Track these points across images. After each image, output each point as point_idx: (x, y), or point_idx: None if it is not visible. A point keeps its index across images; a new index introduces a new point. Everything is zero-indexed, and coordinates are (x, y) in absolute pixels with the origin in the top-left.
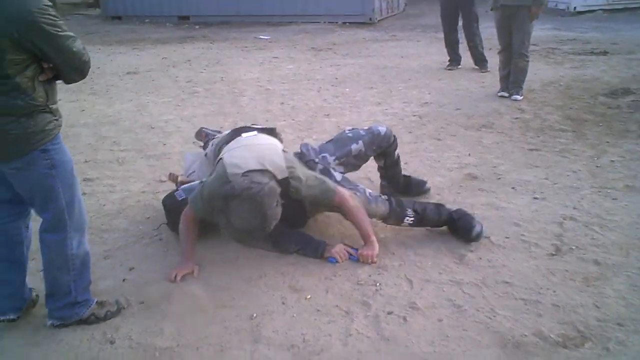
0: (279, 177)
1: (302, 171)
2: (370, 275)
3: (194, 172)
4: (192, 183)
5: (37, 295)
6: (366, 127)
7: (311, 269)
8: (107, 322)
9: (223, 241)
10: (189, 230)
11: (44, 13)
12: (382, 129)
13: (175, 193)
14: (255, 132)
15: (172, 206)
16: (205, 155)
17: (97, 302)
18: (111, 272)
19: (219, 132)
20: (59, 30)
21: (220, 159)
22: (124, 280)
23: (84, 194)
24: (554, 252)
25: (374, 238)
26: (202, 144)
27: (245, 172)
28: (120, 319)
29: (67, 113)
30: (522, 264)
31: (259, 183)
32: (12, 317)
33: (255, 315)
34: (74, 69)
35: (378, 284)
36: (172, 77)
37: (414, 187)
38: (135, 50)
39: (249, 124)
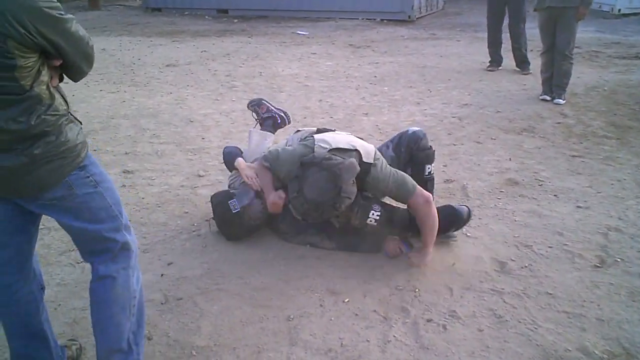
0: (364, 159)
1: (385, 164)
2: (409, 281)
3: (256, 159)
4: (248, 189)
5: (78, 349)
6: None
7: (349, 272)
8: (145, 318)
9: (262, 241)
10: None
11: None
12: (414, 129)
13: (229, 202)
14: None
15: (225, 217)
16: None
17: None
18: (150, 266)
19: (282, 110)
20: (62, 12)
21: (311, 136)
22: (162, 275)
23: (123, 186)
24: (598, 264)
25: (431, 249)
26: (256, 116)
27: (332, 149)
28: (157, 315)
29: (108, 104)
30: (566, 275)
31: (340, 157)
32: None
33: (292, 317)
34: (84, 58)
35: (417, 290)
36: (211, 70)
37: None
38: (174, 43)
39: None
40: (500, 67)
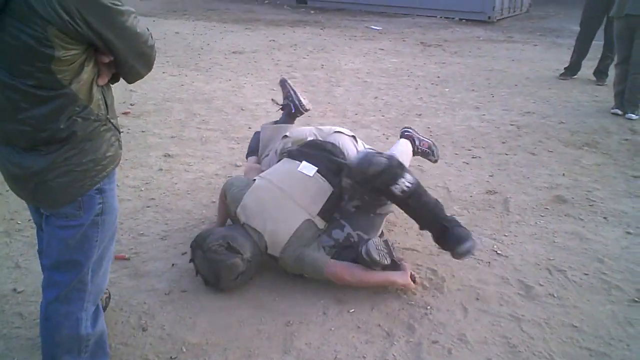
0: (269, 251)
1: (299, 251)
2: (422, 297)
3: (267, 155)
4: None
5: (107, 298)
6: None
7: None
8: (145, 307)
9: None
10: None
11: None
12: (353, 160)
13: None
14: (312, 170)
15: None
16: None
17: None
18: (164, 253)
19: (298, 98)
20: (118, 3)
21: (258, 178)
22: (173, 264)
23: (160, 170)
24: (636, 299)
25: (394, 277)
26: (280, 103)
27: (244, 223)
28: (158, 306)
29: (166, 86)
30: (597, 308)
31: (226, 254)
32: None
33: (291, 322)
34: (140, 57)
35: (429, 307)
36: (275, 60)
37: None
38: (246, 31)
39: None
40: (574, 77)
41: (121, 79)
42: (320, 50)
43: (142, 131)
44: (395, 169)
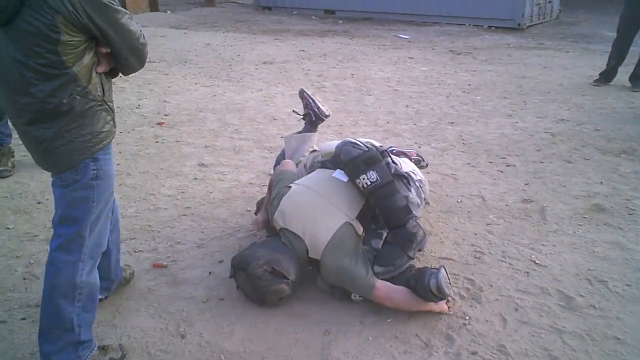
0: (310, 255)
1: (341, 256)
2: (460, 307)
3: (298, 162)
4: None
5: (131, 273)
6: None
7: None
8: (184, 314)
9: None
10: (268, 190)
11: None
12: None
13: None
14: (346, 177)
15: None
16: (304, 165)
17: (98, 347)
18: (201, 261)
19: (317, 106)
20: (114, 3)
21: (291, 186)
22: (210, 272)
23: (195, 179)
24: None
25: (420, 309)
26: (301, 113)
27: (282, 228)
28: (196, 314)
29: (199, 97)
30: None
31: (272, 280)
32: (99, 297)
33: (329, 331)
34: (132, 52)
35: (467, 318)
36: (305, 70)
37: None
38: (276, 41)
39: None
40: (610, 83)
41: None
42: (350, 59)
43: (177, 141)
44: (360, 162)
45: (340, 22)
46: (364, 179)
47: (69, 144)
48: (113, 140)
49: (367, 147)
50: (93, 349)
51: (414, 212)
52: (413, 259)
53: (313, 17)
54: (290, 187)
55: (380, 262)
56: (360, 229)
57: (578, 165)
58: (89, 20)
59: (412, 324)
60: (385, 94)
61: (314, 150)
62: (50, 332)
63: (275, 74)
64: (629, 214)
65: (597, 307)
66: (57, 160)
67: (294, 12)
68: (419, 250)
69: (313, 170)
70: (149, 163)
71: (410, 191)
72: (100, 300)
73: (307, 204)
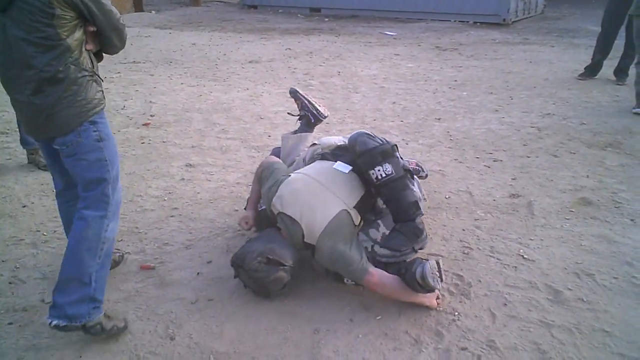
0: (306, 240)
1: (339, 241)
2: (449, 303)
3: (292, 163)
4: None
5: (120, 256)
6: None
7: None
8: (172, 316)
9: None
10: (255, 182)
11: None
12: (350, 136)
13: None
14: (347, 168)
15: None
16: (304, 159)
17: (104, 314)
18: (189, 262)
19: (315, 107)
20: None
21: (289, 176)
22: (198, 273)
23: (182, 179)
24: None
25: (408, 300)
26: (295, 114)
27: (279, 212)
28: (185, 315)
29: (185, 97)
30: (628, 312)
31: (268, 269)
32: None
33: (318, 329)
34: (113, 30)
35: (456, 313)
36: (291, 68)
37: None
38: (262, 40)
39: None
40: (595, 77)
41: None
42: (336, 57)
43: (163, 142)
44: (377, 154)
45: (326, 19)
46: (379, 170)
47: (67, 109)
48: (103, 110)
49: (382, 140)
50: (100, 312)
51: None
52: (416, 252)
53: (299, 15)
54: (289, 175)
55: (387, 245)
56: (357, 218)
57: (564, 159)
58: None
59: (401, 320)
60: (372, 91)
61: (314, 144)
62: (68, 284)
63: (261, 73)
64: (616, 207)
65: (585, 300)
66: (60, 123)
67: (280, 11)
68: (420, 249)
69: (313, 162)
70: (135, 164)
71: (414, 185)
72: None
73: (306, 190)
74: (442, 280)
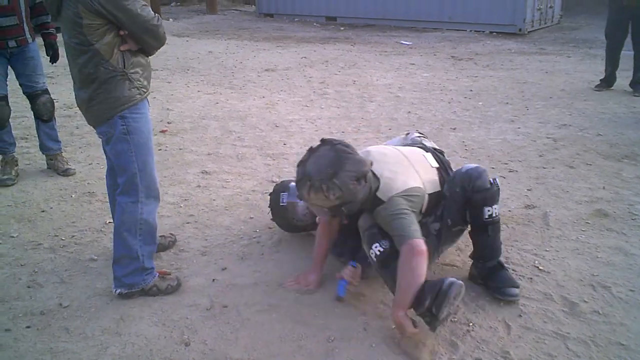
0: (377, 194)
1: (399, 205)
2: (464, 313)
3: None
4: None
5: (171, 241)
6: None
7: None
8: (188, 322)
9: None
10: (321, 237)
11: None
12: (469, 166)
13: (281, 193)
14: (435, 163)
15: (273, 206)
16: None
17: (159, 275)
18: (204, 269)
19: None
20: None
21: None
22: (213, 280)
23: (198, 186)
24: None
25: (399, 313)
26: None
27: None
28: (200, 321)
29: (202, 105)
30: None
31: (352, 155)
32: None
33: (332, 338)
34: (145, 32)
35: (471, 324)
36: (307, 76)
37: (499, 281)
38: (278, 48)
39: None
40: (611, 88)
41: None
42: (352, 66)
43: (180, 149)
44: (496, 193)
45: (342, 28)
46: (494, 209)
47: (99, 104)
48: (142, 104)
49: (492, 180)
50: (155, 276)
51: None
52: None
53: (315, 24)
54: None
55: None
56: (425, 206)
57: (580, 171)
58: (102, 7)
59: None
60: (387, 100)
61: (408, 134)
62: (121, 260)
63: (277, 81)
64: (632, 219)
65: (600, 312)
66: (94, 116)
67: (296, 19)
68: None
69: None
70: None
71: None
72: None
73: (394, 158)
74: (449, 311)
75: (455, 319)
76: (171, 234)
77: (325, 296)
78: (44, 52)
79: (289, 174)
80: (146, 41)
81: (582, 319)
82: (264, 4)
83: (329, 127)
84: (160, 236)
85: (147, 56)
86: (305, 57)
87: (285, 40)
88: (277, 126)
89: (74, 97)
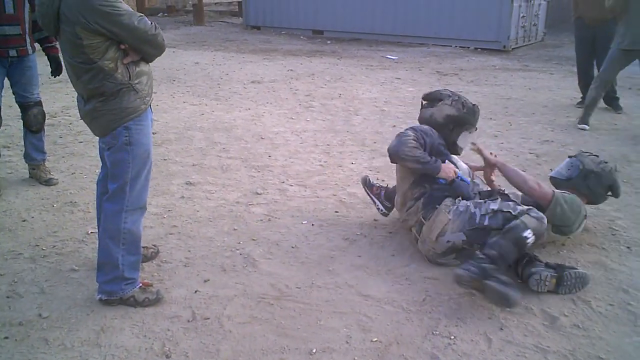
0: None
1: None
2: (446, 326)
3: None
4: None
5: (153, 252)
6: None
7: (386, 309)
8: (169, 334)
9: (306, 266)
10: None
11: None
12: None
13: None
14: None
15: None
16: None
17: (140, 286)
18: (187, 280)
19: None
20: (118, 9)
21: None
22: (196, 291)
23: (182, 197)
24: None
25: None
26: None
27: None
28: (182, 333)
29: (187, 116)
30: (623, 340)
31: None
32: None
33: (315, 350)
34: (145, 43)
35: (453, 337)
36: (293, 89)
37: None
38: (264, 61)
39: None
40: None
41: None
42: (338, 79)
43: (164, 159)
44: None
45: (329, 42)
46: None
47: (104, 116)
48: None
49: None
50: (136, 286)
51: None
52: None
53: (301, 37)
54: None
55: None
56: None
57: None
58: (100, 26)
59: (398, 343)
60: (373, 114)
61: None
62: (103, 266)
63: (263, 93)
64: (612, 235)
65: (580, 326)
66: (100, 127)
67: (283, 32)
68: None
69: None
70: None
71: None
72: None
73: None
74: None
75: (437, 332)
76: (154, 245)
77: (308, 308)
78: (43, 64)
79: (274, 185)
80: (146, 51)
81: (562, 333)
82: (251, 17)
83: (314, 140)
84: (143, 247)
85: (148, 63)
86: (291, 70)
87: (271, 53)
88: (262, 138)
89: (77, 109)
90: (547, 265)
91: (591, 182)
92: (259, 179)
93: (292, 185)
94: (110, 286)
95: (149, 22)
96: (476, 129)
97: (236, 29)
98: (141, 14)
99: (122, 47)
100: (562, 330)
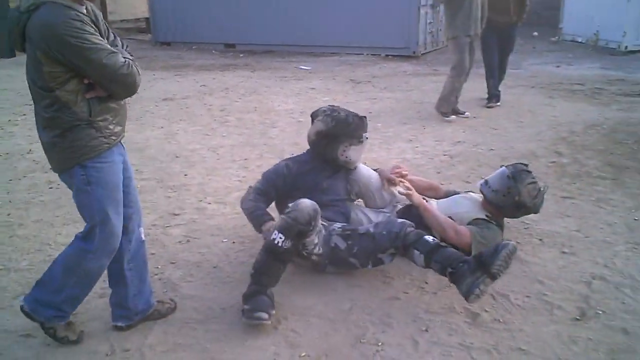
0: None
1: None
2: (374, 334)
3: None
4: None
5: (170, 308)
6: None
7: (313, 322)
8: None
9: (230, 286)
10: None
11: (67, 26)
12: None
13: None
14: None
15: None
16: None
17: (67, 322)
18: (103, 312)
19: None
20: (85, 42)
21: None
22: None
23: None
24: (578, 317)
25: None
26: None
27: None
28: None
29: None
30: (542, 329)
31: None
32: (120, 324)
33: None
34: (112, 81)
35: (380, 344)
36: (207, 105)
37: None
38: (176, 77)
39: None
40: (498, 103)
41: None
42: (253, 92)
43: None
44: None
45: (241, 55)
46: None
47: (59, 152)
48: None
49: None
50: (62, 321)
51: None
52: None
53: (213, 51)
54: None
55: None
56: None
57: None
58: (63, 57)
59: (327, 355)
60: (290, 125)
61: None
62: (44, 284)
63: (176, 111)
64: (525, 228)
65: (501, 320)
66: (53, 162)
67: (194, 47)
68: None
69: None
70: (43, 211)
71: None
72: (121, 328)
73: None
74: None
75: (364, 340)
76: (170, 299)
77: (233, 329)
78: None
79: (192, 205)
80: (113, 90)
81: (485, 328)
82: (160, 33)
83: (231, 155)
84: (158, 301)
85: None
86: (204, 85)
87: (184, 69)
88: (177, 157)
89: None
90: (470, 268)
91: (519, 213)
92: (176, 199)
93: (210, 203)
94: (42, 308)
95: (121, 60)
96: (366, 138)
97: (145, 45)
98: (114, 50)
99: (86, 81)
100: (484, 326)
